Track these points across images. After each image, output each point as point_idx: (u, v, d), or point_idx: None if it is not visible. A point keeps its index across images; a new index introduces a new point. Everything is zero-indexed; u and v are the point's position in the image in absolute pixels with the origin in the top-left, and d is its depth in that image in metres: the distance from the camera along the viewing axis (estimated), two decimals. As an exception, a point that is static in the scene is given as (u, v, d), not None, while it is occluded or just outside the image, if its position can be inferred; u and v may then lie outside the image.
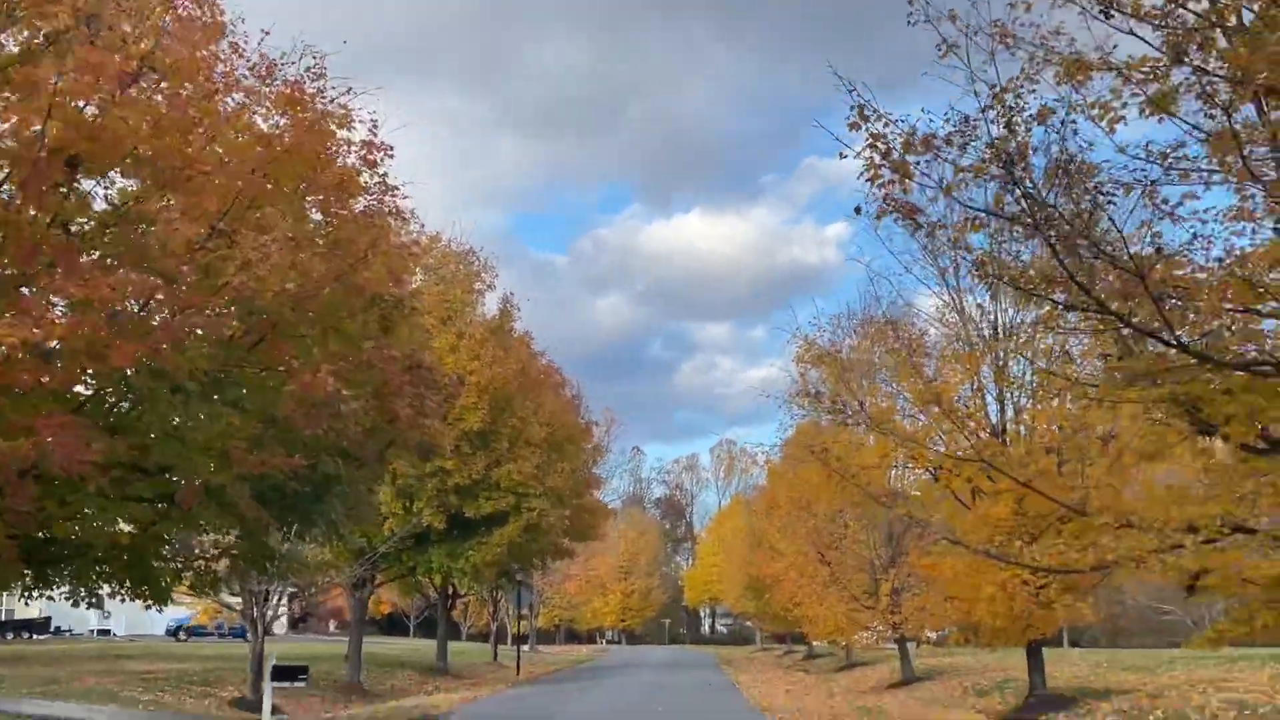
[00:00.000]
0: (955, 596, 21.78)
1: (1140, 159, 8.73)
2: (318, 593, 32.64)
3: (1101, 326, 9.91)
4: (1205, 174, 8.91)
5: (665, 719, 20.61)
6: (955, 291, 22.86)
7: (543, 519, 35.40)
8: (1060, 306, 9.72)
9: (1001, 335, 22.45)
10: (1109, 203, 8.59)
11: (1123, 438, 15.45)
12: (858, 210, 23.68)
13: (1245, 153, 8.45)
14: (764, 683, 33.50)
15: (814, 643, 61.85)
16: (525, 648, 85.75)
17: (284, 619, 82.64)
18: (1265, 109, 8.52)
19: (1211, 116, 8.41)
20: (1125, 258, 7.97)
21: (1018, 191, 8.43)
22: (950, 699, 27.16)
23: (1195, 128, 8.93)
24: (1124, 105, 8.63)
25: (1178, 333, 8.11)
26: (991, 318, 22.94)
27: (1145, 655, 35.80)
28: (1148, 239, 8.42)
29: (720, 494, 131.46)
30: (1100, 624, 57.14)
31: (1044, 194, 8.38)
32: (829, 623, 35.49)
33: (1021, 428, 22.07)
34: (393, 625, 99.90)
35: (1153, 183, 8.63)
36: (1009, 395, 22.68)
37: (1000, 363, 22.17)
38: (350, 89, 13.82)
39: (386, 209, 15.43)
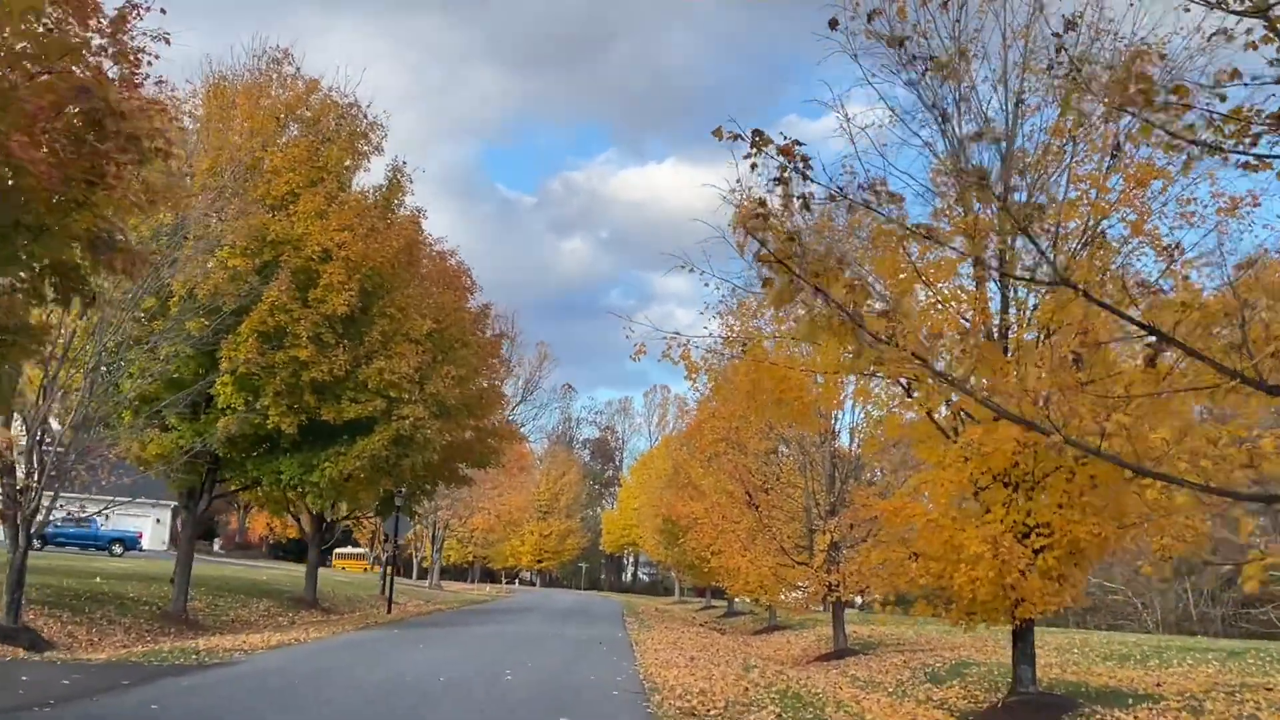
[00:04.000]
0: (924, 554, 15.94)
1: None
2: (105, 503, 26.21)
3: None
4: None
5: (504, 695, 14.57)
6: (958, 142, 16.77)
7: (418, 431, 29.06)
8: None
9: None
10: None
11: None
12: (833, 24, 16.66)
13: None
14: (669, 645, 27.67)
15: (735, 599, 56.40)
16: (426, 583, 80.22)
17: (164, 535, 75.93)
18: None
19: None
20: None
21: None
22: (896, 684, 21.47)
23: None
24: None
25: None
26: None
27: (1111, 640, 30.46)
28: None
29: (651, 439, 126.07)
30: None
31: None
32: (752, 577, 29.78)
33: (1032, 333, 16.24)
34: (330, 552, 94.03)
35: None
36: (1012, 293, 16.81)
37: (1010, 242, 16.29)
38: None
39: None
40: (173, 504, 76.01)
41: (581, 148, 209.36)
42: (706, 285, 17.06)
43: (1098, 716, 14.29)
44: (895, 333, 7.35)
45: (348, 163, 30.54)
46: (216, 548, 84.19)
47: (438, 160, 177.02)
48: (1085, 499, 14.73)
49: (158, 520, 72.62)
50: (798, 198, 7.10)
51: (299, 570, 64.81)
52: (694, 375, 16.98)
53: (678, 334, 17.02)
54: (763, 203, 7.11)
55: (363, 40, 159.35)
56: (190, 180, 27.66)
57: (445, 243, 39.17)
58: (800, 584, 29.52)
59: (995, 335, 16.28)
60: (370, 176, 33.04)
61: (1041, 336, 16.13)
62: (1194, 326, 6.18)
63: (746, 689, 17.44)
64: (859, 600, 40.91)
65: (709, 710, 14.17)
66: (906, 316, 7.69)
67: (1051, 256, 7.77)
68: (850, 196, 7.13)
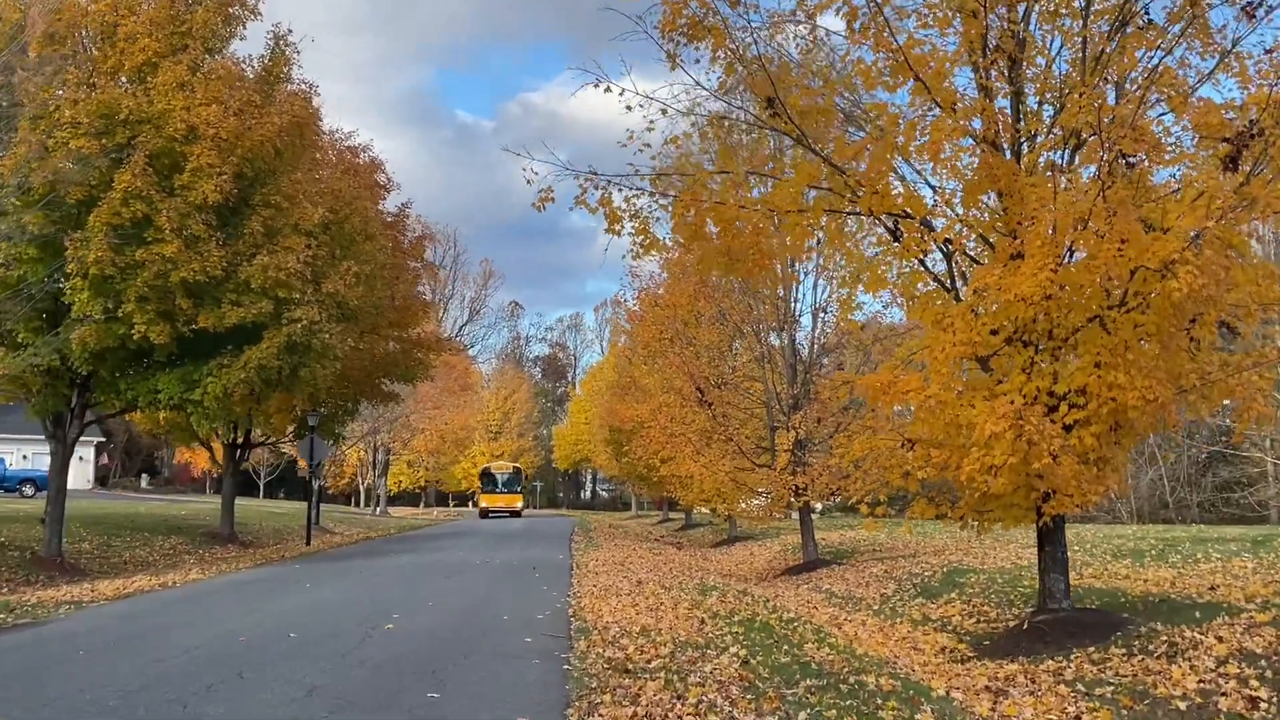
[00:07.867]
0: (923, 440, 12.27)
1: None
2: None
3: None
4: None
5: (363, 659, 10.80)
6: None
7: (314, 336, 24.91)
8: None
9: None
10: None
11: None
12: None
13: None
14: (614, 567, 24.07)
15: (693, 510, 53.08)
16: (370, 510, 76.31)
17: (89, 473, 71.07)
18: None
19: None
20: None
21: None
22: (881, 599, 18.00)
23: None
24: None
25: None
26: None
27: (1108, 534, 27.34)
28: None
29: (603, 354, 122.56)
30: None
31: None
32: (708, 485, 26.19)
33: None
34: (280, 484, 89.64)
35: None
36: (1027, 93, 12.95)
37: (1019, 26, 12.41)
38: None
39: None
40: (96, 439, 71.43)
41: (538, 68, 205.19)
42: (630, 109, 13.02)
43: (1162, 638, 10.76)
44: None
45: (218, 28, 25.93)
46: (144, 484, 79.61)
47: (394, 87, 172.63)
48: (1131, 356, 11.09)
49: (80, 458, 68.05)
50: None
51: (240, 504, 60.70)
52: (617, 227, 13.08)
53: (595, 172, 13.12)
54: None
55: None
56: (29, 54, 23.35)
57: (357, 136, 34.98)
58: (762, 489, 26.01)
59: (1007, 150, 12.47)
60: (249, 46, 28.48)
61: (1066, 151, 12.41)
62: None
63: (703, 621, 13.85)
64: (818, 507, 37.50)
65: (650, 660, 10.49)
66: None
67: None
68: None
